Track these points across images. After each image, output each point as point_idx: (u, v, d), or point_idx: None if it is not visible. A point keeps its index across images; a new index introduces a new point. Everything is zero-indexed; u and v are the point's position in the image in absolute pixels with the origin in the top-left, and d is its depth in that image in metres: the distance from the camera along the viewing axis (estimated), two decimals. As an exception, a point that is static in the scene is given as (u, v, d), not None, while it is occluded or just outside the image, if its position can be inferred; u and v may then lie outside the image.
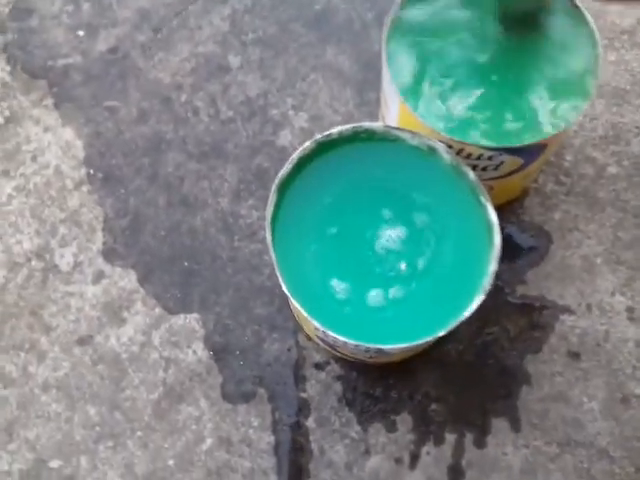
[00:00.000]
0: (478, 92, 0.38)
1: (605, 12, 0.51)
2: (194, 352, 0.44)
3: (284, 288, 0.34)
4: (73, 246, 0.47)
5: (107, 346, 0.44)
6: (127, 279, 0.46)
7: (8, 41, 0.53)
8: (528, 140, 0.36)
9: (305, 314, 0.33)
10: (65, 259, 0.47)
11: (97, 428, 0.43)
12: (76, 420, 0.43)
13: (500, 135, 0.37)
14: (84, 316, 0.45)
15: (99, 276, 0.46)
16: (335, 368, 0.43)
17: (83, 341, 0.45)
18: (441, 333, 0.32)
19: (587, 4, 0.50)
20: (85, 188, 0.49)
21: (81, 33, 0.54)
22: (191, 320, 0.45)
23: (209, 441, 0.42)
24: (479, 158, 0.37)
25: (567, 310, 0.43)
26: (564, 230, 0.45)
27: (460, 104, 0.38)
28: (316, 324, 0.33)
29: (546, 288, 0.44)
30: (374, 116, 0.49)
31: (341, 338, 0.33)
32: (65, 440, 0.42)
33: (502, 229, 0.44)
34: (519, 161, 0.38)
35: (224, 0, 0.54)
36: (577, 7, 0.38)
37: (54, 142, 0.50)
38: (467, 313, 0.32)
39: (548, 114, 0.37)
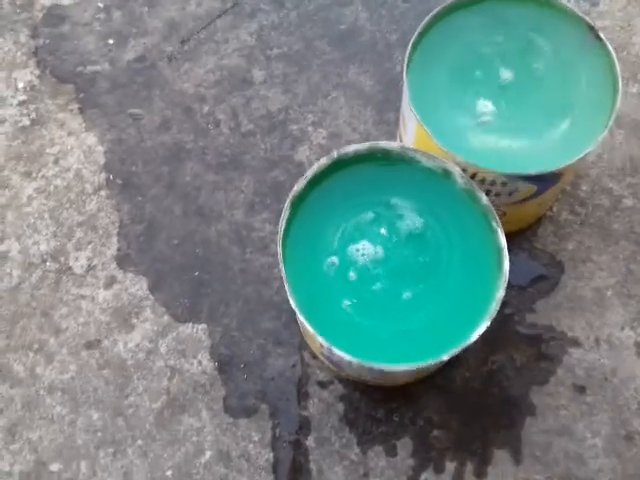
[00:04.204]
0: (496, 118, 0.38)
1: (630, 44, 0.51)
2: (199, 362, 0.44)
3: (292, 303, 0.34)
4: (88, 250, 0.48)
5: (114, 351, 0.45)
6: (138, 285, 0.46)
7: (39, 45, 0.55)
8: (543, 168, 0.35)
9: (311, 330, 0.33)
10: (79, 262, 0.47)
11: (99, 434, 0.43)
12: (79, 424, 0.43)
13: (516, 162, 0.37)
14: (94, 320, 0.46)
15: (111, 281, 0.47)
16: (338, 387, 0.43)
17: (91, 345, 0.45)
18: (445, 358, 0.32)
19: (611, 36, 0.50)
20: (104, 193, 0.50)
21: (111, 41, 0.55)
22: (198, 330, 0.45)
23: (208, 454, 0.42)
24: (493, 184, 0.37)
25: (575, 342, 0.43)
26: (576, 260, 0.45)
27: (478, 129, 0.38)
28: (321, 341, 0.33)
29: (555, 319, 0.43)
30: (392, 135, 0.50)
31: (346, 356, 0.33)
32: (67, 443, 0.43)
33: (514, 256, 0.45)
34: (533, 188, 0.38)
35: (252, 15, 0.55)
36: (600, 39, 0.38)
37: (77, 146, 0.51)
38: (473, 338, 0.32)
39: (566, 143, 0.37)
